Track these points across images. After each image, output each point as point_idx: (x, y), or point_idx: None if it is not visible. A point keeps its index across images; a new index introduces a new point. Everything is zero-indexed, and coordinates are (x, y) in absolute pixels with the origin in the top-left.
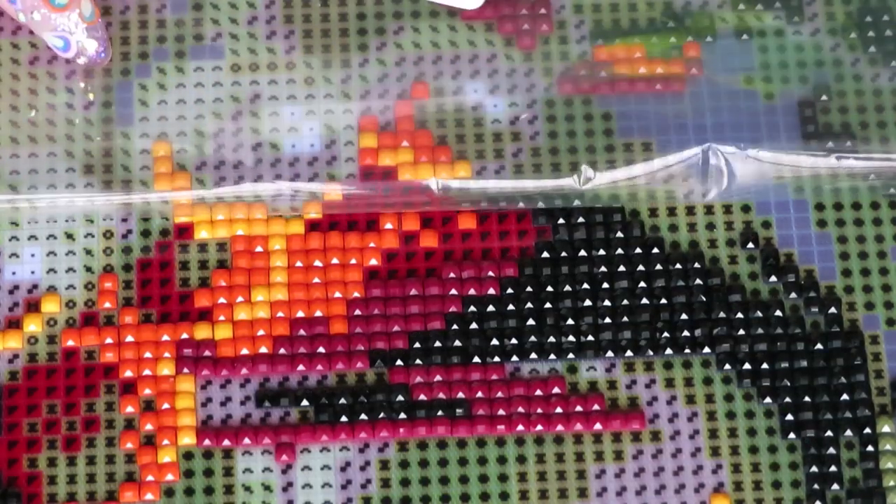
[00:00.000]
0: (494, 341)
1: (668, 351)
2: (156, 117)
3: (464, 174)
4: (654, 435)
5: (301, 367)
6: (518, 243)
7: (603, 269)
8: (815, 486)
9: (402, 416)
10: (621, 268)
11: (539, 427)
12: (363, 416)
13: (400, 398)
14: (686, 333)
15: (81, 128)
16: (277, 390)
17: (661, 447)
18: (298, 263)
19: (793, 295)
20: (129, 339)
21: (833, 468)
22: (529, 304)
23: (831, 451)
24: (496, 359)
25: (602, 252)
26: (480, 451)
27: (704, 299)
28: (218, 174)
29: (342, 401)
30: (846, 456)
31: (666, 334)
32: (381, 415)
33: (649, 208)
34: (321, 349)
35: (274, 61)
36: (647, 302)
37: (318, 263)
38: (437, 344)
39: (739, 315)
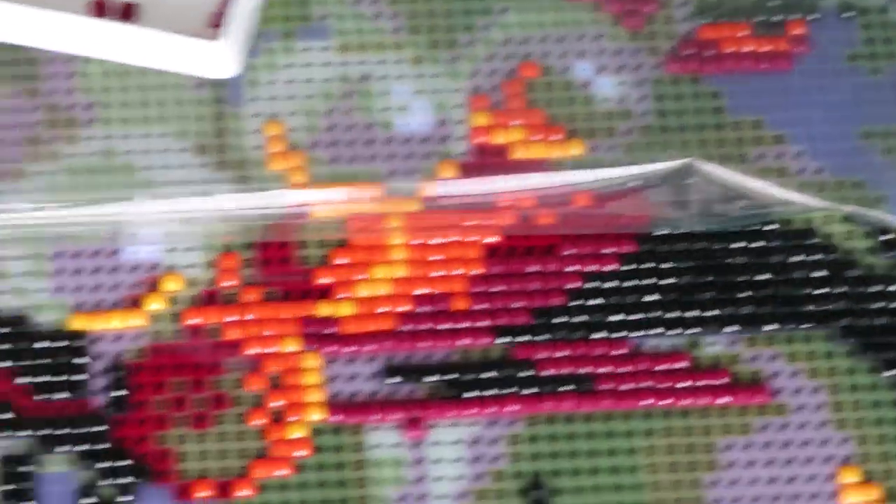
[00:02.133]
0: (617, 316)
1: (790, 325)
2: (267, 97)
3: (577, 152)
4: (779, 408)
5: (426, 343)
6: (634, 222)
7: (721, 244)
8: None
9: (529, 391)
10: (740, 243)
11: (665, 401)
12: (491, 392)
13: (526, 373)
14: (807, 307)
15: (193, 108)
16: (404, 366)
17: (787, 420)
18: (417, 241)
19: None
20: (253, 316)
21: None
22: (650, 280)
23: None
24: (619, 334)
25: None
26: (608, 425)
27: (825, 273)
28: (331, 153)
29: (469, 376)
30: None
31: (787, 308)
32: (509, 390)
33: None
34: (445, 325)
35: (381, 41)
36: (769, 276)
37: (437, 241)
38: (561, 319)
39: (860, 289)
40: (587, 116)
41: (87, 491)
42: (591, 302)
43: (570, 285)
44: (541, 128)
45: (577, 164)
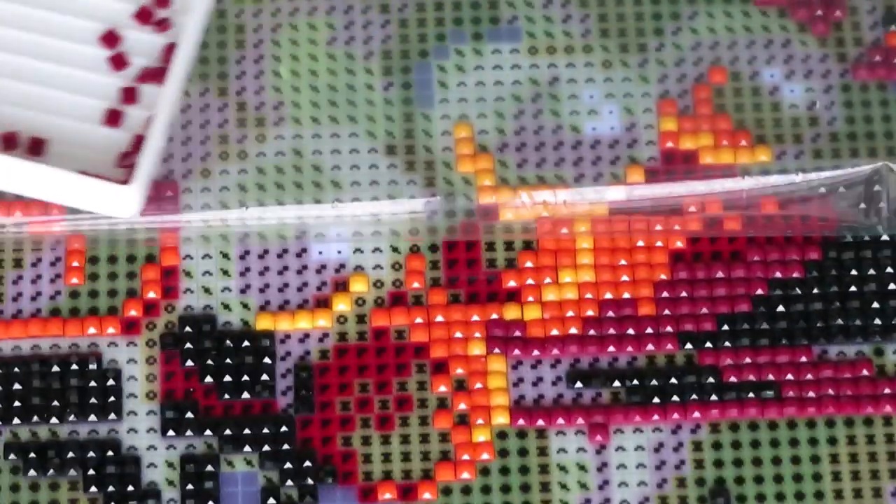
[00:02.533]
0: (801, 324)
1: None
2: (456, 99)
3: (764, 158)
4: None
5: (611, 349)
6: (820, 226)
7: None
8: None
9: (713, 397)
10: None
11: (848, 409)
12: (674, 398)
13: (710, 380)
14: None
15: (382, 109)
16: (589, 371)
17: None
18: (603, 245)
19: None
20: (439, 319)
21: None
22: (834, 287)
23: None
24: (803, 341)
25: None
26: (791, 432)
27: None
28: (520, 156)
29: (653, 382)
30: None
31: None
32: (693, 396)
33: None
34: (630, 331)
35: (571, 44)
36: None
37: (623, 245)
38: (745, 326)
39: None
40: (775, 122)
41: (271, 492)
42: (776, 309)
43: (754, 292)
44: (728, 133)
45: (764, 170)
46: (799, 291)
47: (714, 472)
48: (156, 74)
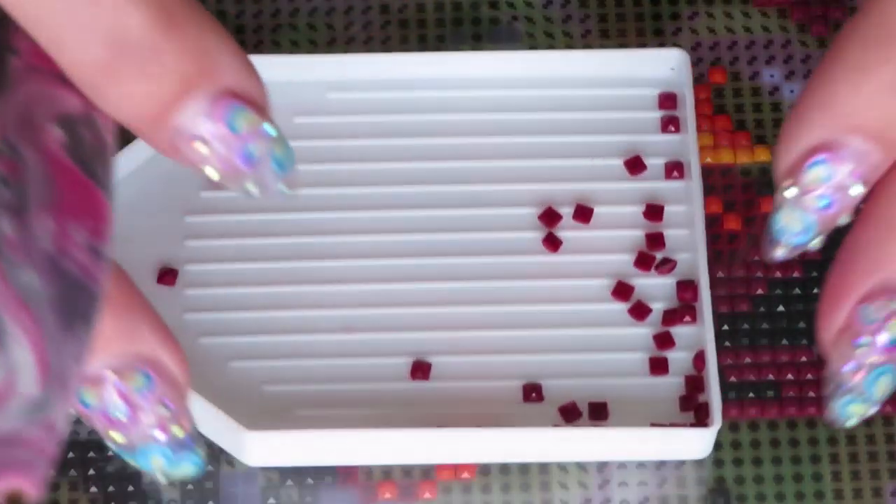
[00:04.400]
0: (801, 324)
1: None
2: None
3: (763, 158)
4: None
5: None
6: None
7: None
8: None
9: None
10: None
11: None
12: None
13: None
14: None
15: None
16: None
17: None
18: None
19: None
20: None
21: None
22: None
23: None
24: (804, 341)
25: None
26: (792, 432)
27: None
28: None
29: None
30: None
31: None
32: None
33: None
34: None
35: (571, 44)
36: None
37: None
38: (745, 326)
39: None
40: (775, 123)
41: (271, 492)
42: (776, 309)
43: (755, 292)
44: (728, 133)
45: (764, 170)
46: (799, 291)
47: (714, 471)
48: (678, 315)
